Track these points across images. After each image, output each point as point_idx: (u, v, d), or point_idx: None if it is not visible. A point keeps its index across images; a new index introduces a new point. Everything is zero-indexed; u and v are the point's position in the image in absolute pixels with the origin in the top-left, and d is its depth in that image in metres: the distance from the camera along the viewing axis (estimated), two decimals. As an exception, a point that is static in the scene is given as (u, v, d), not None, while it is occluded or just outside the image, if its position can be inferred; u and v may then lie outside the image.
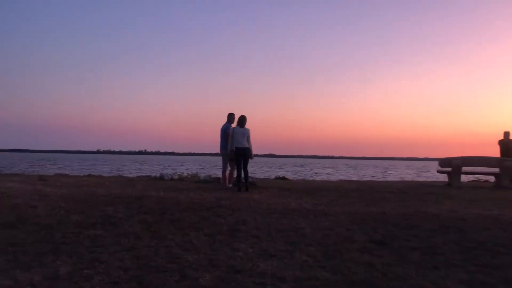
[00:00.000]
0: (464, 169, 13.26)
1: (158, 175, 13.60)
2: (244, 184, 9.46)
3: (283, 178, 15.30)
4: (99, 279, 3.48)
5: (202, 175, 14.22)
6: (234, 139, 9.58)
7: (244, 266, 3.89)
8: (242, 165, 9.59)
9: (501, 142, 13.83)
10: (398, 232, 5.29)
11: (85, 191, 8.12)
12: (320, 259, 4.21)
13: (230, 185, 10.22)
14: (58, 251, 4.21)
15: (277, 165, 63.24)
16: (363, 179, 22.13)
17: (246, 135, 9.58)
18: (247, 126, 9.76)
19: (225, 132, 10.05)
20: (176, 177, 12.97)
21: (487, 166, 13.16)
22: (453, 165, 12.97)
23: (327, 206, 7.18)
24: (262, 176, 20.31)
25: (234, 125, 9.98)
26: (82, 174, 18.81)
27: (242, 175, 9.56)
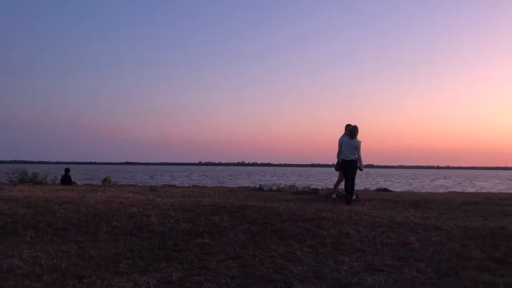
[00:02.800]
0: None
1: (257, 186, 13.88)
2: (350, 195, 9.23)
3: (386, 190, 14.66)
4: (208, 286, 3.62)
5: (300, 186, 14.21)
6: (342, 151, 9.47)
7: (350, 280, 3.78)
8: (349, 177, 9.40)
9: None
10: (523, 250, 4.75)
11: (192, 201, 8.56)
12: (433, 276, 3.94)
13: (334, 196, 10.03)
14: (170, 258, 4.48)
15: (374, 176, 60.75)
16: (473, 191, 20.36)
17: (355, 147, 9.33)
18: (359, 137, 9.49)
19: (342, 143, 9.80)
20: (274, 188, 13.12)
21: None
22: None
23: (437, 219, 6.71)
24: (362, 188, 19.69)
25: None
26: (187, 185, 19.93)
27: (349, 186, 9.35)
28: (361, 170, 9.63)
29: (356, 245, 4.97)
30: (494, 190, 20.92)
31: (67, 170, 16.55)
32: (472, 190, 22.78)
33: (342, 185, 10.00)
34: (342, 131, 10.07)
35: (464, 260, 4.40)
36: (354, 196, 9.50)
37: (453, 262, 4.33)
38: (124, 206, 7.41)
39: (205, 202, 8.19)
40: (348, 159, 9.37)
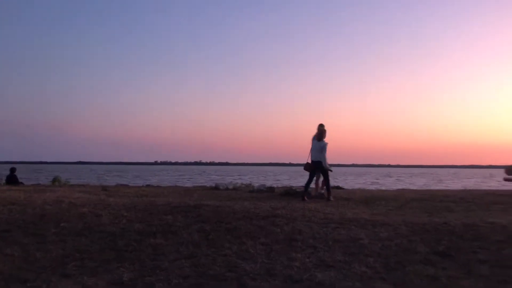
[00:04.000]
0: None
1: (213, 185, 13.83)
2: (327, 194, 9.85)
3: (338, 187, 15.02)
4: (160, 286, 3.58)
5: (256, 184, 14.29)
6: (311, 152, 10.02)
7: (301, 276, 3.85)
8: (317, 176, 10.18)
9: None
10: (463, 243, 5.02)
11: (145, 200, 8.41)
12: (381, 270, 4.08)
13: (322, 191, 10.48)
14: (121, 258, 4.38)
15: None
16: (423, 188, 21.28)
17: (322, 148, 9.86)
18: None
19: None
20: (230, 186, 13.12)
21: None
22: (522, 173, 12.16)
23: (386, 216, 6.96)
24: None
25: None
26: (141, 184, 19.53)
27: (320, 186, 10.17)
28: (330, 171, 10.18)
29: (309, 242, 5.07)
30: (457, 187, 21.97)
31: (13, 170, 15.77)
32: (429, 188, 23.83)
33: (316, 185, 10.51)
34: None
35: (410, 255, 4.60)
36: (331, 197, 9.75)
37: (400, 257, 4.50)
38: (74, 207, 7.17)
39: (159, 202, 8.07)
40: (316, 159, 9.83)
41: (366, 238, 5.24)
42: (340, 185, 18.16)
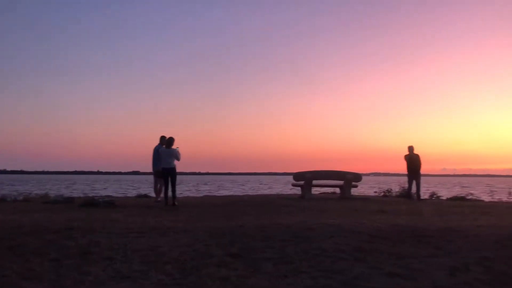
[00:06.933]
0: (314, 182, 14.49)
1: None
2: (172, 200, 10.39)
3: (146, 196, 14.82)
4: None
5: (52, 194, 13.00)
6: (162, 159, 10.54)
7: (93, 291, 3.64)
8: (170, 183, 10.55)
9: (407, 157, 14.09)
10: (254, 244, 5.49)
11: None
12: (177, 276, 4.16)
13: (159, 199, 11.29)
14: None
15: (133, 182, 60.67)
16: (226, 194, 22.64)
17: (174, 155, 10.52)
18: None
19: (156, 152, 11.21)
20: (20, 198, 11.63)
21: (334, 179, 14.59)
22: (305, 179, 14.08)
23: (187, 222, 7.15)
24: (121, 195, 19.42)
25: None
26: None
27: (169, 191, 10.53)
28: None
29: (105, 254, 4.83)
30: (255, 193, 23.70)
31: None
32: (232, 193, 25.32)
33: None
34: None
35: (206, 259, 4.81)
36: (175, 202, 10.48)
37: (196, 262, 4.66)
38: None
39: None
40: (168, 166, 10.49)
41: (166, 245, 5.28)
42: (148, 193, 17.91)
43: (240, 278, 4.17)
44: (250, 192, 27.64)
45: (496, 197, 16.77)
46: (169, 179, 10.57)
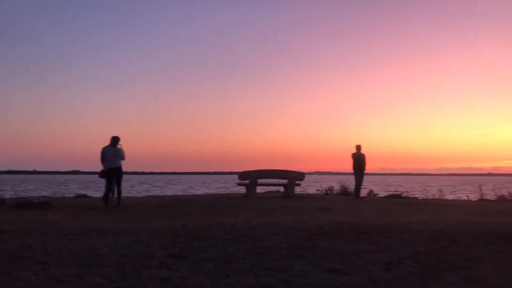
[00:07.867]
0: (259, 181, 14.63)
1: None
2: (118, 200, 10.27)
3: (85, 196, 14.26)
4: None
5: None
6: (108, 160, 10.32)
7: (24, 297, 3.44)
8: (115, 182, 10.37)
9: (354, 155, 14.29)
10: (197, 244, 5.46)
11: None
12: (115, 279, 4.02)
13: (113, 198, 10.85)
14: None
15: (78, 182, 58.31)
16: (170, 194, 22.30)
17: (120, 154, 10.34)
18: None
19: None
20: None
21: (278, 178, 14.82)
22: (250, 178, 14.17)
23: (129, 223, 6.96)
24: (59, 195, 18.55)
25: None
26: None
27: (115, 191, 10.39)
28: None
29: (39, 257, 4.59)
30: (201, 193, 23.47)
31: None
32: (176, 193, 24.93)
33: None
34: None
35: (148, 260, 4.69)
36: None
37: (137, 263, 4.54)
38: None
39: None
40: (115, 166, 10.30)
41: (105, 247, 5.10)
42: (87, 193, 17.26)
43: (181, 279, 4.11)
44: (194, 192, 27.44)
45: (429, 195, 17.79)
46: (115, 179, 10.36)
